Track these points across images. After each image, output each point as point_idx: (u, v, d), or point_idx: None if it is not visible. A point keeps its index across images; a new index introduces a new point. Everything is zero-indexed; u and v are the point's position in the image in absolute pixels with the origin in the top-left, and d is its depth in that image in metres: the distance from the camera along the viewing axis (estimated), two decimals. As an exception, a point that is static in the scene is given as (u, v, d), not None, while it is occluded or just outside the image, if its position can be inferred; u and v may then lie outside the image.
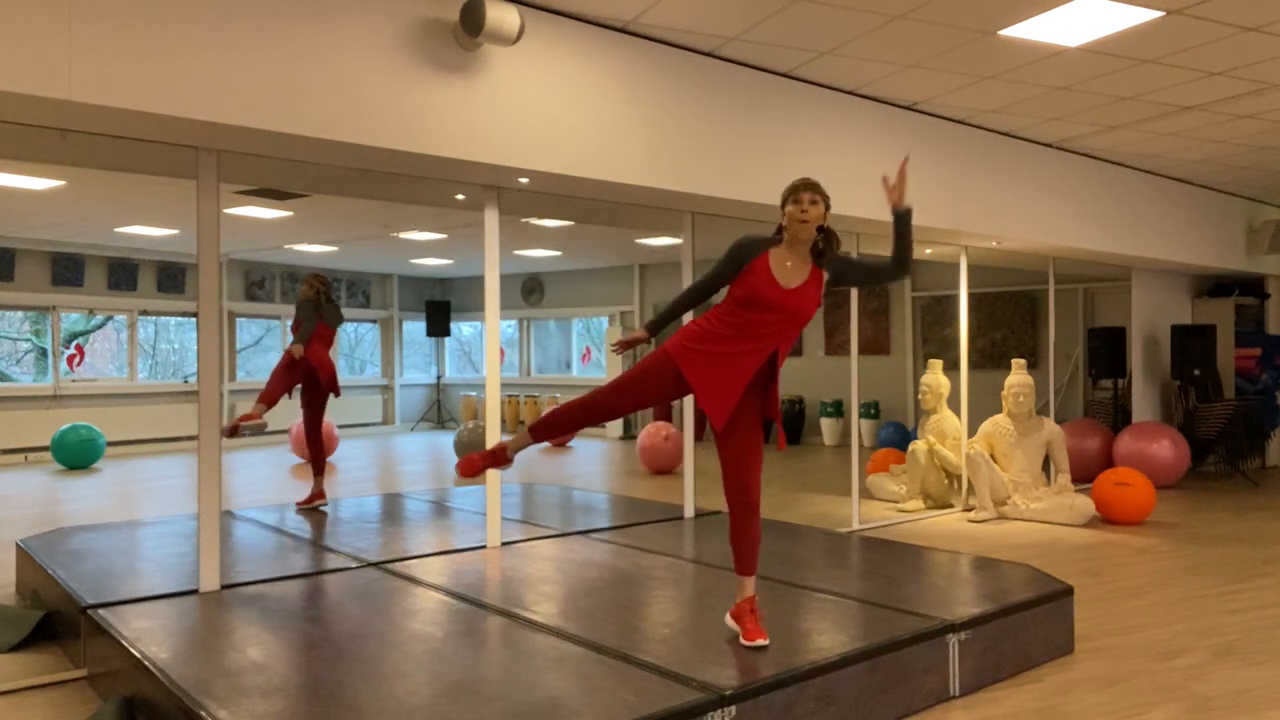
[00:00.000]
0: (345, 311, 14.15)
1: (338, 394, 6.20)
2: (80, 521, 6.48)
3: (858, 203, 5.89)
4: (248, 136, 3.81)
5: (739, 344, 3.21)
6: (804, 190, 3.18)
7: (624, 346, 3.40)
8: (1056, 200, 7.28)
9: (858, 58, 5.22)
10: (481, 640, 3.37)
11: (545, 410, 12.90)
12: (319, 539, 5.23)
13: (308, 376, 6.11)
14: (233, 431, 5.79)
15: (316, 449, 6.20)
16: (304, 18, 3.79)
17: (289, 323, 6.17)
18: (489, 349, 5.18)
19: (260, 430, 5.93)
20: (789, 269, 3.22)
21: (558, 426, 3.43)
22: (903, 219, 3.21)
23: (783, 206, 3.23)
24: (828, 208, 3.21)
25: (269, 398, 6.01)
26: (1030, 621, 3.79)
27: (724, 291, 3.35)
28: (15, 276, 11.01)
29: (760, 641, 3.22)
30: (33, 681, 3.65)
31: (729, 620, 3.41)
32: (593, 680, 2.96)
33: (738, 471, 3.28)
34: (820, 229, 3.22)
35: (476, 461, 3.46)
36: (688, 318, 3.85)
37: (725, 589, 3.97)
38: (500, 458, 3.47)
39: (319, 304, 6.18)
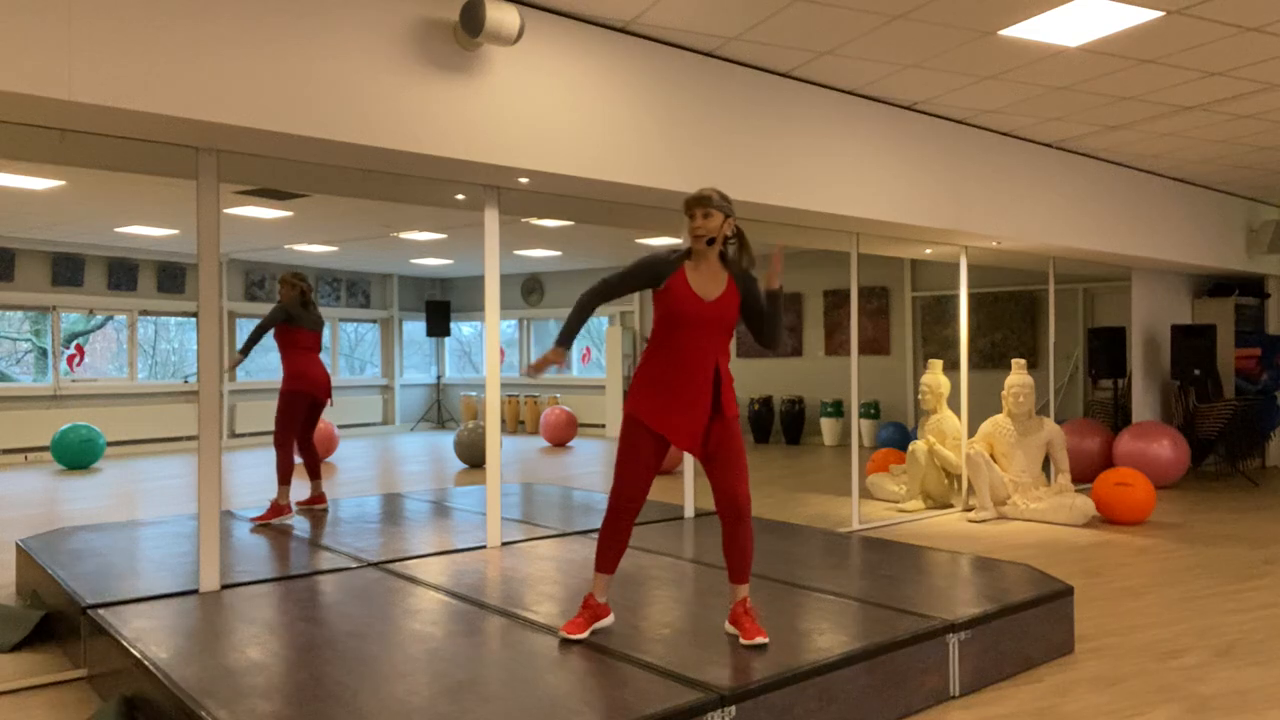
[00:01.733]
0: (345, 312, 14.17)
1: (331, 402, 6.07)
2: (80, 521, 6.49)
3: (858, 202, 5.90)
4: (248, 136, 3.82)
5: (681, 370, 3.27)
6: (695, 205, 3.27)
7: (537, 369, 3.30)
8: (1056, 200, 7.28)
9: (858, 58, 5.22)
10: (481, 640, 3.37)
11: (546, 410, 12.92)
12: (319, 539, 5.23)
13: (307, 401, 5.92)
14: (264, 524, 5.64)
15: (310, 455, 6.12)
16: (304, 18, 3.80)
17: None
18: (489, 349, 5.18)
19: (291, 516, 5.80)
20: (704, 280, 3.30)
21: (610, 547, 3.38)
22: (773, 296, 3.34)
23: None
24: (728, 214, 3.29)
25: (287, 474, 5.75)
26: (1030, 621, 3.80)
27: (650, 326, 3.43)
28: (15, 276, 11.02)
29: (760, 640, 3.23)
30: (33, 681, 3.65)
31: (728, 626, 3.42)
32: (593, 680, 2.96)
33: (724, 484, 3.32)
34: (723, 238, 3.31)
35: (583, 621, 3.38)
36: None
37: (725, 589, 3.97)
38: (596, 605, 3.42)
39: (292, 308, 5.81)
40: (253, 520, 5.71)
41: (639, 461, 3.31)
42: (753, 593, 3.90)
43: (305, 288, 5.89)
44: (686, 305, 3.26)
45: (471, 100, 4.26)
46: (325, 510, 6.11)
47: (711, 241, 3.28)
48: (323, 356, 6.04)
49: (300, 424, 5.95)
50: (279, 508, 5.70)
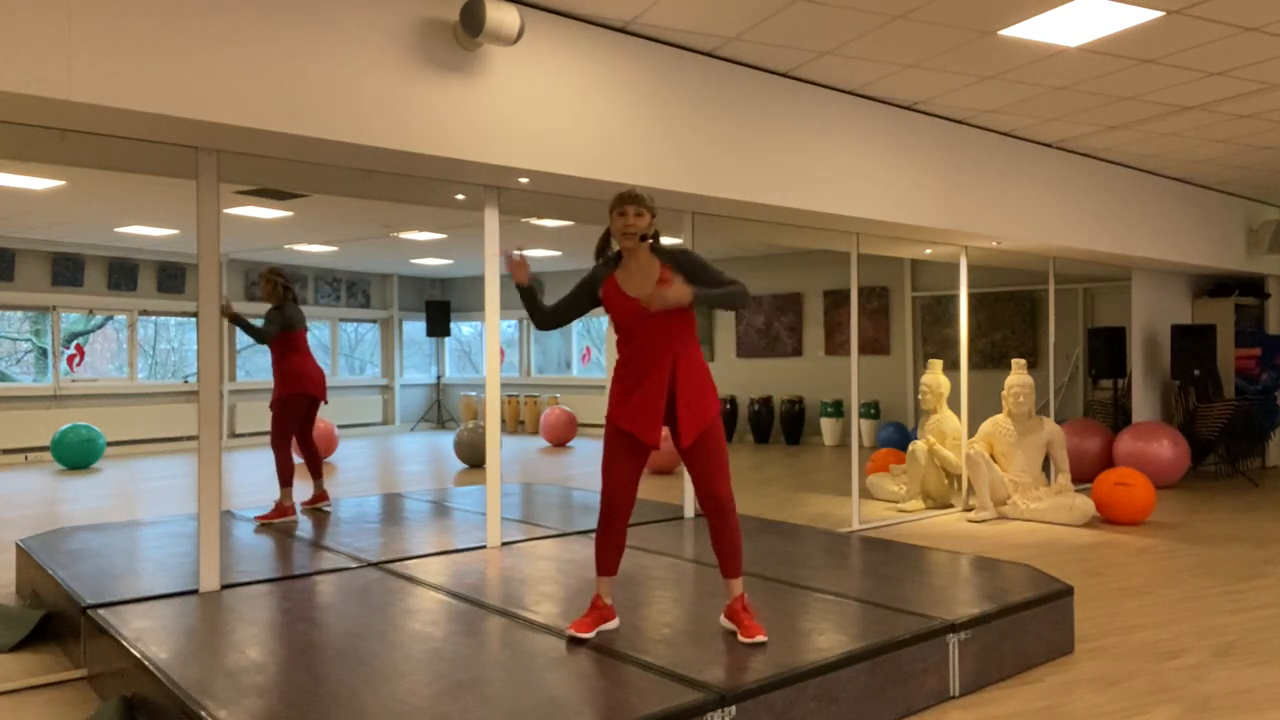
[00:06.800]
0: (345, 312, 14.15)
1: (326, 401, 6.07)
2: (80, 521, 6.49)
3: (857, 202, 5.90)
4: (248, 136, 3.82)
5: (637, 368, 3.34)
6: (627, 203, 3.32)
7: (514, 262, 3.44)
8: (1056, 200, 7.28)
9: (858, 58, 5.22)
10: (481, 640, 3.37)
11: (546, 410, 12.92)
12: (319, 539, 5.23)
13: (306, 402, 5.91)
14: (267, 524, 5.62)
15: (311, 454, 6.12)
16: (304, 17, 3.80)
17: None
18: (489, 349, 5.18)
19: (294, 517, 5.78)
20: (634, 278, 3.36)
21: (606, 551, 3.40)
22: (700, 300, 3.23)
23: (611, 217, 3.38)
24: (654, 214, 3.37)
25: (288, 476, 5.73)
26: (1030, 621, 3.80)
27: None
28: (15, 276, 11.02)
29: (759, 637, 3.24)
30: (33, 681, 3.65)
31: (724, 620, 3.44)
32: (593, 680, 2.96)
33: (703, 481, 3.34)
34: (648, 236, 3.37)
35: (590, 621, 3.37)
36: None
37: (724, 590, 3.97)
38: (603, 606, 3.42)
39: (285, 306, 5.77)
40: (257, 519, 5.71)
41: (616, 462, 3.36)
42: (753, 593, 3.91)
43: (285, 283, 5.82)
44: (621, 307, 3.34)
45: (471, 100, 4.26)
46: (329, 509, 6.11)
47: (643, 239, 3.34)
48: (323, 356, 6.02)
49: (298, 425, 5.95)
50: (283, 509, 5.70)
